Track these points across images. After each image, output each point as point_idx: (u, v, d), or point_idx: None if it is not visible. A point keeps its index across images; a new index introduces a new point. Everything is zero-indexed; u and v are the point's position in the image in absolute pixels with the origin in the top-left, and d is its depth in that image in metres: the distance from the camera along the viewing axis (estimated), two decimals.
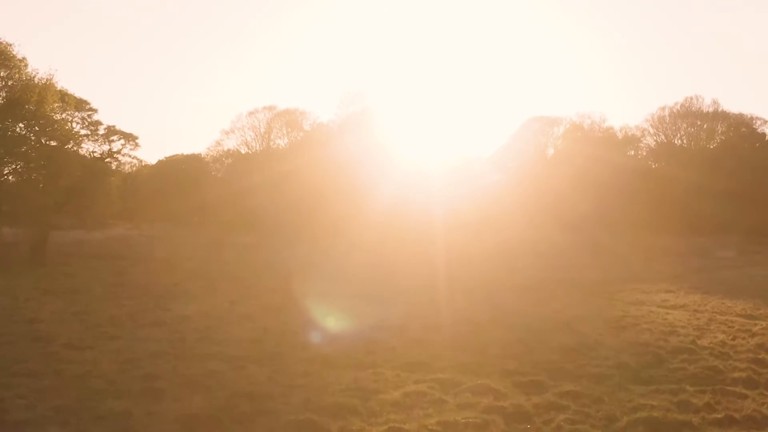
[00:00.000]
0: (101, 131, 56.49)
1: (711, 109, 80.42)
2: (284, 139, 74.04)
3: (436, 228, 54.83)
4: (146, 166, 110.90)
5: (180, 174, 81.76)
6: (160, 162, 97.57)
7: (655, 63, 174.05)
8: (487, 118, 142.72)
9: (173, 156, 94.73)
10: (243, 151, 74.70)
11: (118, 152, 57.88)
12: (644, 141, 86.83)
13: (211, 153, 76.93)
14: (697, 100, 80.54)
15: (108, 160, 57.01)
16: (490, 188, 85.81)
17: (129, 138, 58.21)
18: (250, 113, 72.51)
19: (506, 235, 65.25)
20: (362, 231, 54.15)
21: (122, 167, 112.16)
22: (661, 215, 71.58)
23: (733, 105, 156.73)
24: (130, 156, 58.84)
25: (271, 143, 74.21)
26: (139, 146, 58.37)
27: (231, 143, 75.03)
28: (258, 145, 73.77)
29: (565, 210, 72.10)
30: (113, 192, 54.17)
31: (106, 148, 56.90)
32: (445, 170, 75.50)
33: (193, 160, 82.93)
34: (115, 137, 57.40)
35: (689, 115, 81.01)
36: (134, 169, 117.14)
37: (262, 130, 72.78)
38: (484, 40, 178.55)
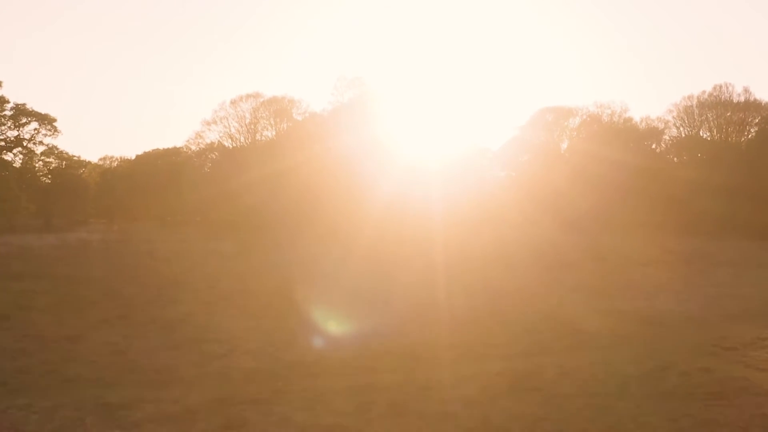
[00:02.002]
0: (8, 111, 45.88)
1: (742, 98, 73.07)
2: (272, 130, 66.38)
3: (435, 224, 53.15)
4: (125, 160, 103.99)
5: (158, 170, 74.41)
6: (138, 157, 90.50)
7: (674, 51, 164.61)
8: (495, 108, 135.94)
9: (152, 150, 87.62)
10: (227, 144, 66.97)
11: (31, 140, 47.85)
12: (667, 133, 79.53)
13: (191, 146, 69.22)
14: (727, 88, 73.22)
15: (17, 149, 46.88)
16: (495, 185, 79.00)
17: (44, 120, 48.10)
18: (233, 102, 64.82)
19: (521, 242, 58.66)
20: (360, 228, 51.73)
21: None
22: (692, 217, 64.50)
23: (764, 94, 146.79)
24: (44, 144, 48.76)
25: (258, 135, 66.59)
26: (59, 131, 48.45)
27: (213, 135, 67.37)
28: (243, 138, 66.15)
29: (581, 214, 64.99)
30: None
31: (14, 133, 46.03)
32: (446, 165, 69.45)
33: (173, 154, 75.36)
34: (25, 119, 46.78)
35: (718, 105, 73.58)
36: (113, 164, 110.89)
37: (248, 120, 65.12)
38: (491, 26, 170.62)
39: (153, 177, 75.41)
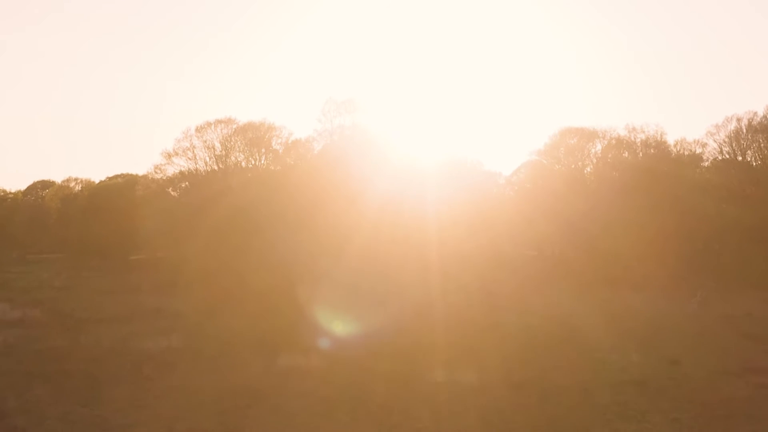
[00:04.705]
0: None
1: None
2: (248, 162, 55.23)
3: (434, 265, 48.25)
4: (88, 184, 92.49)
5: (115, 204, 63.58)
6: (99, 185, 79.75)
7: (701, 69, 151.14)
8: (510, 133, 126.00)
9: (115, 177, 76.93)
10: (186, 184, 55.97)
11: None
12: (707, 158, 69.38)
13: (153, 179, 57.96)
14: None
15: None
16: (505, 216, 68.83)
17: None
18: (200, 129, 53.66)
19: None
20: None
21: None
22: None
23: None
24: None
25: (232, 167, 55.44)
26: None
27: (176, 169, 56.17)
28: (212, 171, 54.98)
29: (620, 265, 54.54)
30: None
31: None
32: (453, 203, 60.32)
33: (131, 185, 64.40)
34: None
35: None
36: (77, 187, 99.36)
37: (218, 150, 53.99)
38: (506, 51, 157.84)
39: (110, 211, 64.78)
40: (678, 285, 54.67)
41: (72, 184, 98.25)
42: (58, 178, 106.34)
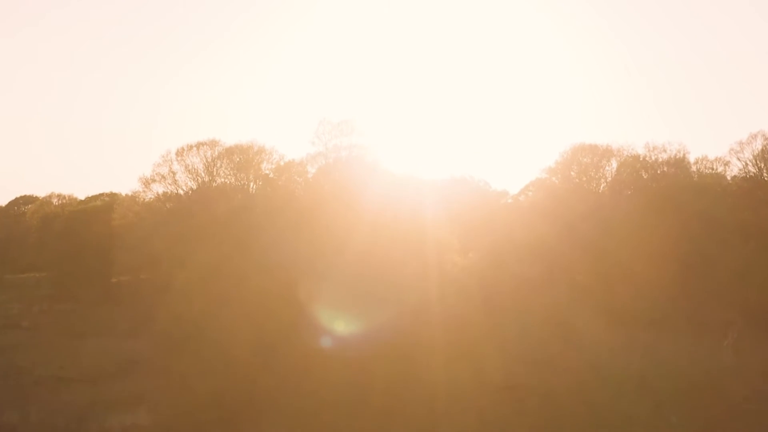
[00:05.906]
0: None
1: None
2: (235, 185, 50.31)
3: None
4: (70, 201, 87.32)
5: (92, 230, 58.84)
6: (78, 205, 74.88)
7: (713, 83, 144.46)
8: (517, 149, 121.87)
9: (94, 197, 72.22)
10: (169, 206, 51.10)
11: None
12: (729, 178, 64.94)
13: (129, 207, 53.17)
14: None
15: None
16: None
17: None
18: (181, 152, 48.77)
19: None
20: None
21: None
22: None
23: None
24: None
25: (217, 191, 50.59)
26: None
27: (154, 195, 51.24)
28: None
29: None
30: None
31: None
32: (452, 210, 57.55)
33: (110, 208, 59.59)
34: None
35: None
36: (61, 202, 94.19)
37: (202, 175, 49.07)
38: (511, 62, 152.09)
39: (88, 237, 60.26)
40: (705, 320, 50.03)
41: (54, 200, 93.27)
42: (43, 190, 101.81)
